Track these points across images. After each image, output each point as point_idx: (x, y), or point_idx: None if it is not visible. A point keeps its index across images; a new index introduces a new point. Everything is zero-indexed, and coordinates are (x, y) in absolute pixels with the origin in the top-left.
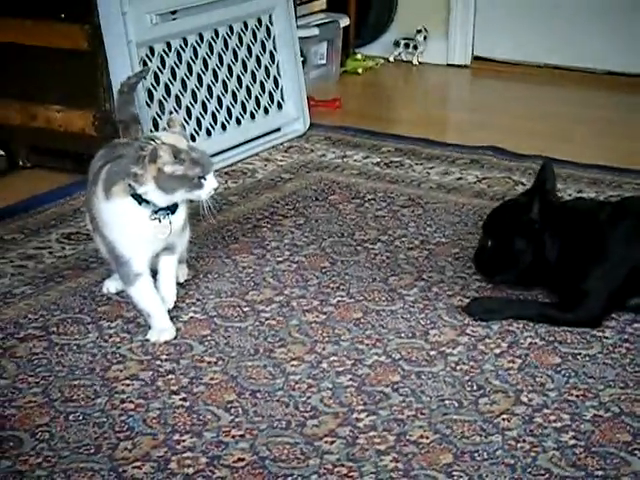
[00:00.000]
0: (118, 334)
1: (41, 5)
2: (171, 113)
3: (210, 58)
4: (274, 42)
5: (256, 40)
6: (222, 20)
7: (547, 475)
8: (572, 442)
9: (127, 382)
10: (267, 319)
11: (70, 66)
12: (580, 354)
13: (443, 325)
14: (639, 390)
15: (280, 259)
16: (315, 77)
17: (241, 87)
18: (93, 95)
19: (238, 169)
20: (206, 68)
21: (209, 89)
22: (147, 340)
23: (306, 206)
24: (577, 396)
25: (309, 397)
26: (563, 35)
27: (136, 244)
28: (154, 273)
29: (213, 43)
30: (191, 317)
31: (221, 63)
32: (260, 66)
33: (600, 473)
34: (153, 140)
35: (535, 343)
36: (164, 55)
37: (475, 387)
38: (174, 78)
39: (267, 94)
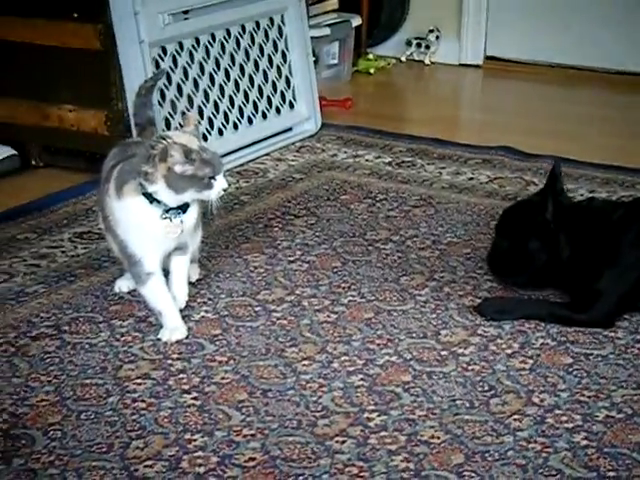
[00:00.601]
0: (130, 333)
1: (54, 5)
2: (184, 113)
3: (222, 58)
4: (286, 42)
5: (268, 40)
6: (234, 20)
7: (559, 476)
8: (584, 443)
9: (139, 381)
10: (278, 319)
11: (82, 66)
12: (592, 354)
13: (454, 325)
14: None
15: (291, 259)
16: (327, 77)
17: (253, 87)
18: (105, 95)
19: (250, 169)
20: (218, 68)
21: (221, 89)
22: (159, 339)
23: (317, 206)
24: (589, 397)
25: (320, 397)
26: (575, 35)
27: (147, 243)
28: (166, 272)
29: (225, 43)
30: (202, 316)
31: (233, 63)
32: (272, 66)
33: (612, 474)
34: (164, 139)
35: (547, 343)
36: (176, 55)
37: (486, 387)
38: (186, 78)
39: (279, 94)
